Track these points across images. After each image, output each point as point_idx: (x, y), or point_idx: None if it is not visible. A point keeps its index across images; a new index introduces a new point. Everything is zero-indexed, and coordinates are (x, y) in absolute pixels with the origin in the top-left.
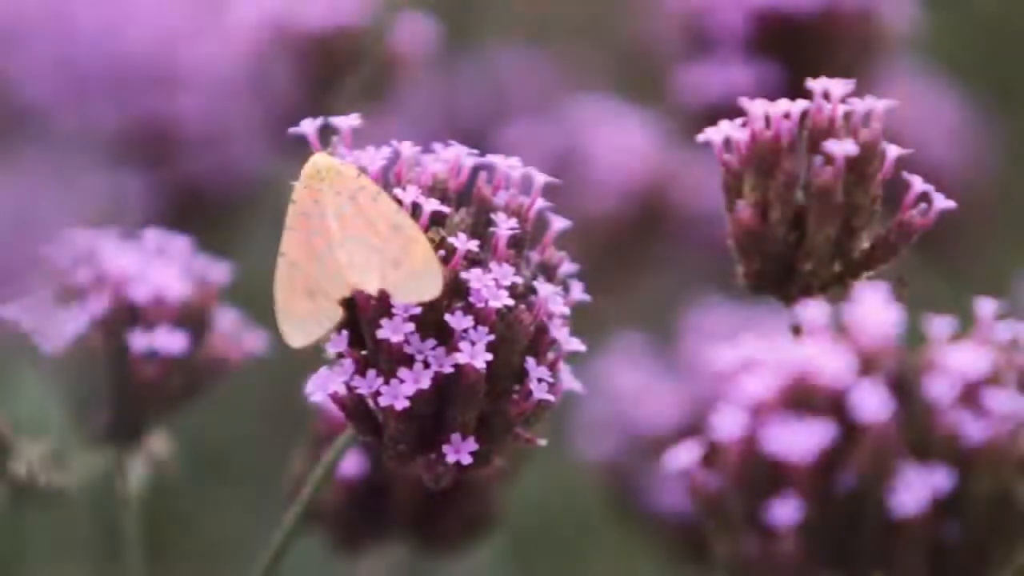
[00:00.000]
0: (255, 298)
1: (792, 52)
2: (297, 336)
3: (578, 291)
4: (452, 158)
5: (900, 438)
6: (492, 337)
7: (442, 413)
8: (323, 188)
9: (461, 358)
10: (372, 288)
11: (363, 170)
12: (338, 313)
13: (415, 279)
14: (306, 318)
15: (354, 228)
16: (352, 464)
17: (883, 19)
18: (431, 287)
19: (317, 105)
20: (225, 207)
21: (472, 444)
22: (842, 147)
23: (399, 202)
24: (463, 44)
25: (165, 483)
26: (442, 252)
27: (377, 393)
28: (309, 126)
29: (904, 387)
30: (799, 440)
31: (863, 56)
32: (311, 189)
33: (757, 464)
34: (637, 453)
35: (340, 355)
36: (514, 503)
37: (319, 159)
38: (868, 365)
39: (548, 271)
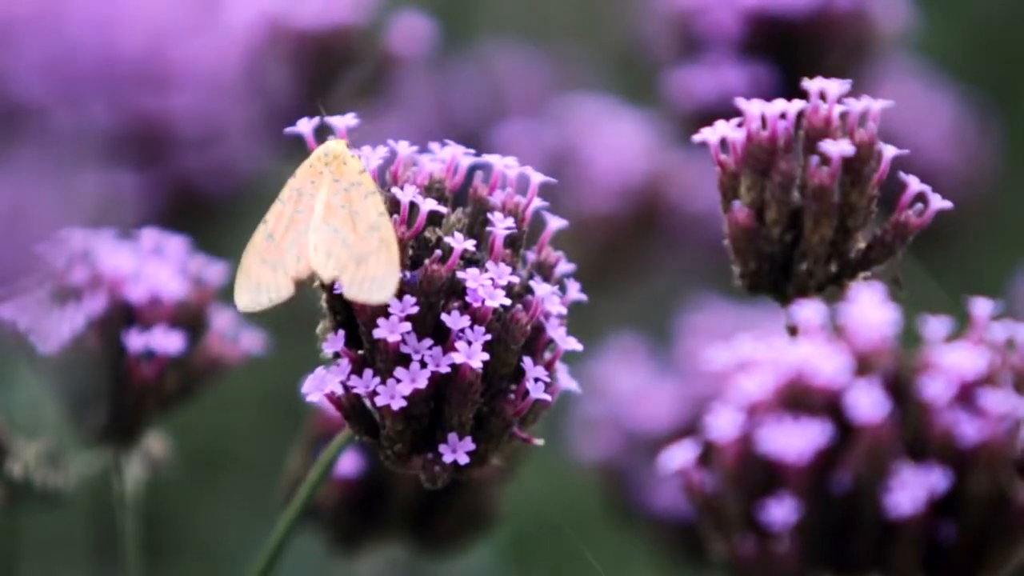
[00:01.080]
0: None
1: (785, 53)
2: (245, 299)
3: (575, 291)
4: (448, 157)
5: (896, 438)
6: (489, 337)
7: (439, 413)
8: (324, 172)
9: (458, 358)
10: (326, 275)
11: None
12: (290, 291)
13: (372, 281)
14: (260, 286)
15: (336, 218)
16: (349, 463)
17: (877, 20)
18: (384, 292)
19: (313, 104)
20: (221, 206)
21: (469, 444)
22: (838, 147)
23: (396, 202)
24: (459, 43)
25: (162, 483)
26: (438, 252)
27: (374, 393)
28: (305, 125)
29: (900, 387)
30: (795, 440)
31: (857, 57)
32: (313, 170)
33: (753, 464)
34: (634, 453)
35: (337, 355)
36: (511, 502)
37: (333, 144)
38: (864, 365)
39: (545, 271)
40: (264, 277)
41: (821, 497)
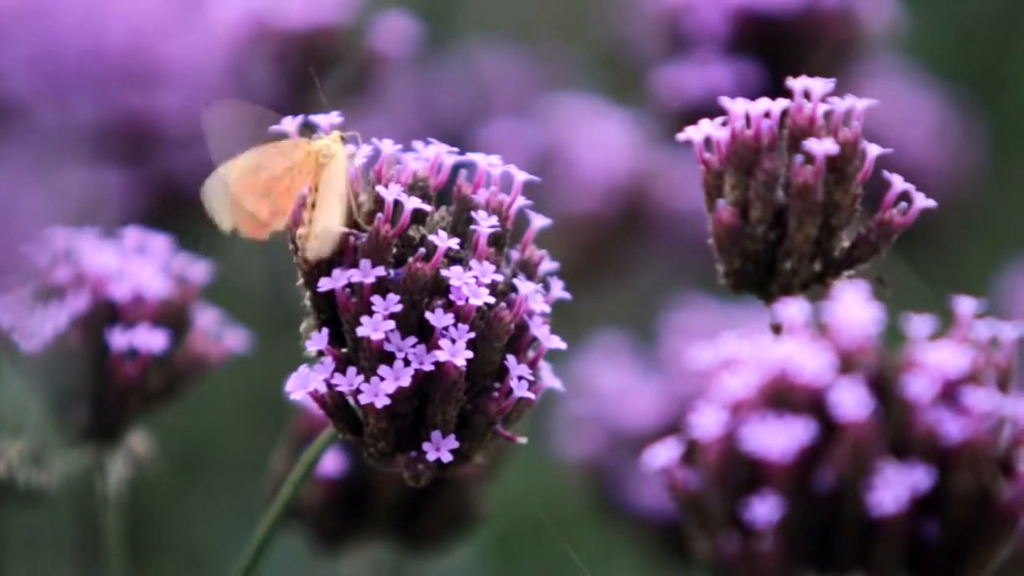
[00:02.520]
0: (235, 297)
1: (771, 52)
2: (228, 220)
3: (558, 289)
4: (433, 156)
5: (879, 437)
6: (472, 335)
7: (423, 411)
8: (315, 166)
9: (442, 356)
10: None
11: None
12: (255, 225)
13: (315, 238)
14: (231, 212)
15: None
16: (333, 462)
17: (863, 19)
18: (324, 247)
19: (298, 103)
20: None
21: (453, 442)
22: (822, 146)
23: (380, 201)
24: (444, 43)
25: (145, 481)
26: (422, 250)
27: (357, 391)
28: (289, 124)
29: (883, 386)
30: (779, 438)
31: (843, 56)
32: (308, 151)
33: (737, 462)
34: (618, 451)
35: (320, 353)
36: (495, 501)
37: (335, 146)
38: (848, 364)
39: (529, 269)
40: (240, 212)
41: (804, 495)
